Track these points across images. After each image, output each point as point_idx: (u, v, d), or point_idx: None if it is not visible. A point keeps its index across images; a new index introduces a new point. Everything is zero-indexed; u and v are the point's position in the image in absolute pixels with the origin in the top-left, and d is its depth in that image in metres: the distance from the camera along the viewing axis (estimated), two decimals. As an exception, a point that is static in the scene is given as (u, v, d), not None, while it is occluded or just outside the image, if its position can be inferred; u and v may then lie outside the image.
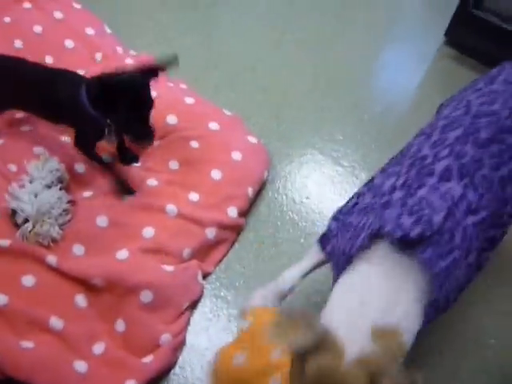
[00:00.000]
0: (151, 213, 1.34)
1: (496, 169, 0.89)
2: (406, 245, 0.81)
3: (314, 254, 1.10)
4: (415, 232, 0.80)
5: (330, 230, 1.06)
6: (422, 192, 0.87)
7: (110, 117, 1.23)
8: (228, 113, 1.58)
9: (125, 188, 1.39)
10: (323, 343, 0.71)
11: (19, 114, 1.46)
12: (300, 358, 0.72)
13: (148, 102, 1.20)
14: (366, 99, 1.76)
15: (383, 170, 1.10)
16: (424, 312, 0.82)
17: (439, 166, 0.90)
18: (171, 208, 1.33)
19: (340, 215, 1.07)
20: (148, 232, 1.29)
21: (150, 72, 1.21)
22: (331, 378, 0.70)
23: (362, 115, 1.70)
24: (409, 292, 0.80)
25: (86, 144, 1.34)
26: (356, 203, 1.07)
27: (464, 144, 0.92)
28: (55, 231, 1.23)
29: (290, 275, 1.12)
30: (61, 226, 1.26)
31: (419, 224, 0.81)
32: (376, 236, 0.84)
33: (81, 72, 1.43)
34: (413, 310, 0.81)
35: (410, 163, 0.97)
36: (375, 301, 0.79)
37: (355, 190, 1.47)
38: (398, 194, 0.90)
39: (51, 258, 1.18)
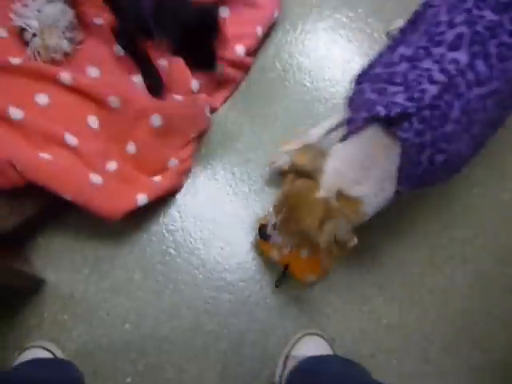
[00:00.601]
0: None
1: None
2: (390, 123, 0.85)
3: (339, 114, 1.13)
4: (395, 111, 0.84)
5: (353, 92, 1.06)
6: (426, 64, 0.86)
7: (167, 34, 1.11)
8: None
9: (157, 86, 1.29)
10: (312, 174, 0.89)
11: None
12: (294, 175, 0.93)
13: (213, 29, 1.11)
14: None
15: (402, 32, 1.07)
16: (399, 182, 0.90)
17: (450, 35, 0.86)
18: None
19: (360, 78, 1.06)
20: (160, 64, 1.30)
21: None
22: (300, 195, 0.90)
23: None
24: (385, 164, 0.88)
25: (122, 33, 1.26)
26: (373, 64, 1.05)
27: (481, 8, 0.86)
28: (65, 44, 1.24)
29: (316, 131, 1.18)
30: (71, 40, 1.26)
31: (409, 101, 0.83)
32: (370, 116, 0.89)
33: None
34: (385, 180, 0.89)
35: (424, 30, 0.93)
36: (355, 167, 0.89)
37: (366, 37, 1.47)
38: (402, 66, 0.90)
39: (65, 76, 1.20)
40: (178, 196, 1.29)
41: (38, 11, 1.24)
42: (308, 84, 1.40)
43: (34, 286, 1.17)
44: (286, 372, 1.09)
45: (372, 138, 0.89)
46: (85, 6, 1.32)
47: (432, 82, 0.83)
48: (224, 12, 1.37)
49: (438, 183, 1.02)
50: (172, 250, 1.24)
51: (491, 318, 1.24)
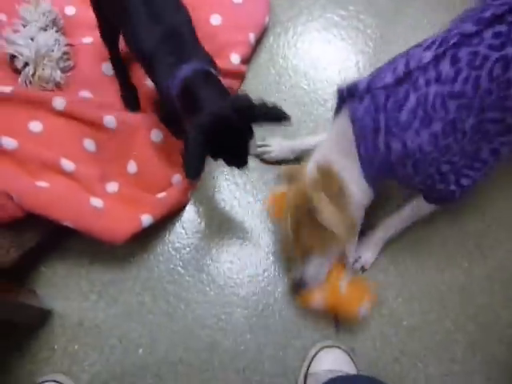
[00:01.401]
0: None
1: (498, 49, 0.84)
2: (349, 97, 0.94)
3: None
4: (347, 86, 0.94)
5: None
6: (399, 59, 0.93)
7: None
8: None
9: (132, 103, 1.27)
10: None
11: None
12: None
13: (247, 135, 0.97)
14: None
15: None
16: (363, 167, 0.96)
17: (429, 40, 0.92)
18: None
19: None
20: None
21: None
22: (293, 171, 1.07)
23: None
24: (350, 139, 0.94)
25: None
26: None
27: (464, 21, 0.90)
28: (58, 75, 1.21)
29: (311, 141, 1.25)
30: (63, 70, 1.24)
31: (366, 80, 0.92)
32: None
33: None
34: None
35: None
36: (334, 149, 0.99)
37: (360, 35, 1.45)
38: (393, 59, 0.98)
39: (59, 101, 1.17)
40: (182, 212, 1.26)
41: (31, 39, 1.21)
42: (305, 86, 1.38)
43: (41, 318, 1.13)
44: None
45: (342, 119, 0.96)
46: (73, 29, 1.31)
47: (393, 71, 0.91)
48: (216, 20, 1.35)
49: (414, 183, 1.03)
50: (180, 269, 1.21)
51: (514, 310, 1.20)
